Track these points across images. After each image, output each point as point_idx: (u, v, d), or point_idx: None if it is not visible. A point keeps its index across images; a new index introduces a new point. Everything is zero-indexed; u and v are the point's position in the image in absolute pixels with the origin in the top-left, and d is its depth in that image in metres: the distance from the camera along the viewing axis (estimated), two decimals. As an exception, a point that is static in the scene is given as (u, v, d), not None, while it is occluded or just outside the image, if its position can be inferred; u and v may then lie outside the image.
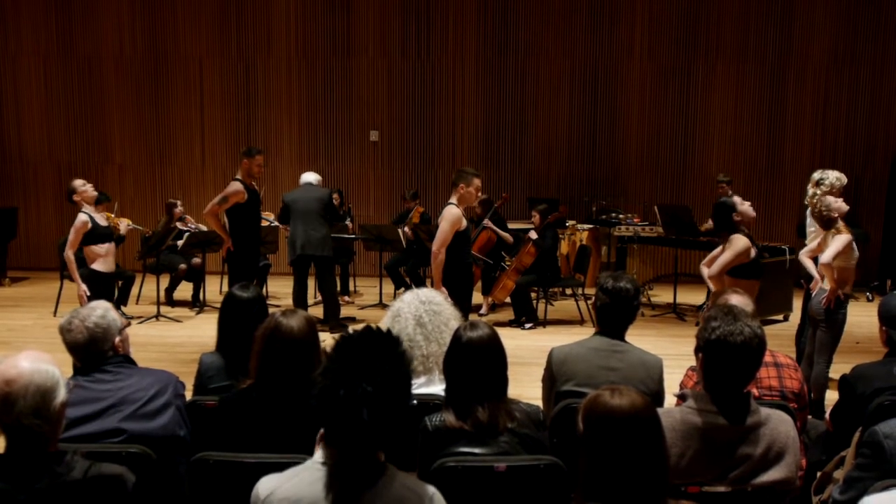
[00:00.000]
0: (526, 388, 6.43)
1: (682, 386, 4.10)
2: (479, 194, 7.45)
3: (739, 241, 7.18)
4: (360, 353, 2.34)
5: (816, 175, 7.61)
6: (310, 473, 2.40)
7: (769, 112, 13.68)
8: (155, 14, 13.80)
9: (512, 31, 13.68)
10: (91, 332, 3.52)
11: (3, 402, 2.52)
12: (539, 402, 3.91)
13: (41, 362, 2.63)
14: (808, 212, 7.68)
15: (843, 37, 13.50)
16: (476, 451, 3.19)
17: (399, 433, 2.38)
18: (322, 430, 2.43)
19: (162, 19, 13.81)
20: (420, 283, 10.92)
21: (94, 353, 3.55)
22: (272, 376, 3.46)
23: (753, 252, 7.18)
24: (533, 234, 10.21)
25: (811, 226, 7.62)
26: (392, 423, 2.35)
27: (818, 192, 7.49)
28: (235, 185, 8.49)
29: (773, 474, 2.97)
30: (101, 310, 3.62)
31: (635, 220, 12.51)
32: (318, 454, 2.42)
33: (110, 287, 8.27)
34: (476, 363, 3.37)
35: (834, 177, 7.52)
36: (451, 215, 7.05)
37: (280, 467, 2.58)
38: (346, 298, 11.52)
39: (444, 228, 7.02)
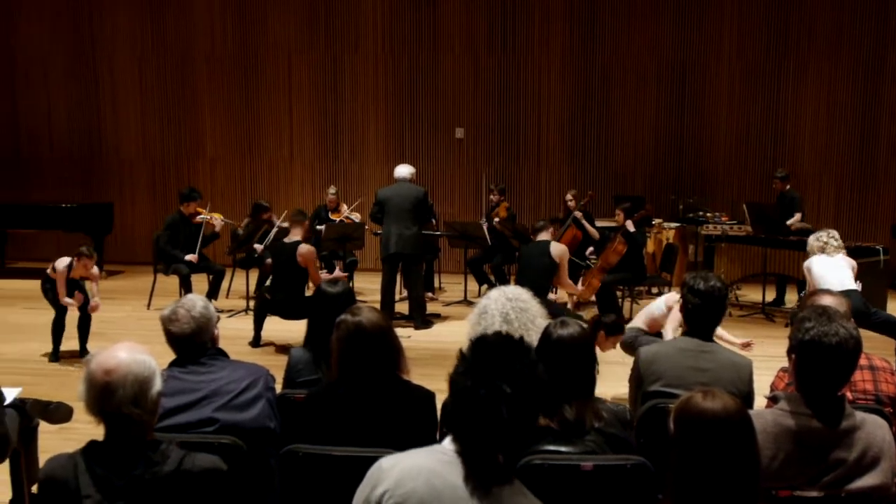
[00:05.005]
0: (611, 386, 6.38)
1: (773, 387, 4.03)
2: None
3: None
4: (497, 355, 2.37)
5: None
6: (437, 455, 2.41)
7: (863, 110, 13.31)
8: (245, 10, 14.05)
9: (598, 26, 13.57)
10: (197, 322, 3.60)
11: (103, 390, 2.60)
12: (623, 401, 3.89)
13: (138, 353, 2.70)
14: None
15: (944, 31, 13.08)
16: (562, 449, 3.18)
17: (526, 436, 2.41)
18: None
19: (252, 15, 14.04)
20: (504, 280, 10.92)
21: (196, 343, 3.62)
22: (353, 373, 3.51)
23: None
24: (630, 226, 10.11)
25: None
26: (525, 426, 2.37)
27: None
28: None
29: (867, 480, 2.90)
30: (203, 301, 3.70)
31: (723, 218, 12.31)
32: (448, 441, 2.43)
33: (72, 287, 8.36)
34: (566, 361, 3.36)
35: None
36: (566, 254, 8.17)
37: (367, 461, 2.60)
38: (431, 295, 11.57)
39: (566, 269, 8.13)
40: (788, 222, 11.19)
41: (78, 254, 8.14)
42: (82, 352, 8.29)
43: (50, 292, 8.23)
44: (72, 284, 8.21)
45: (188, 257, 10.30)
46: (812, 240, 8.27)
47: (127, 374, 2.62)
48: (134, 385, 2.61)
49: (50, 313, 8.43)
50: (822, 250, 8.13)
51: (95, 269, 8.36)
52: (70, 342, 8.51)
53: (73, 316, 8.29)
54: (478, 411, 2.30)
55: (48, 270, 8.22)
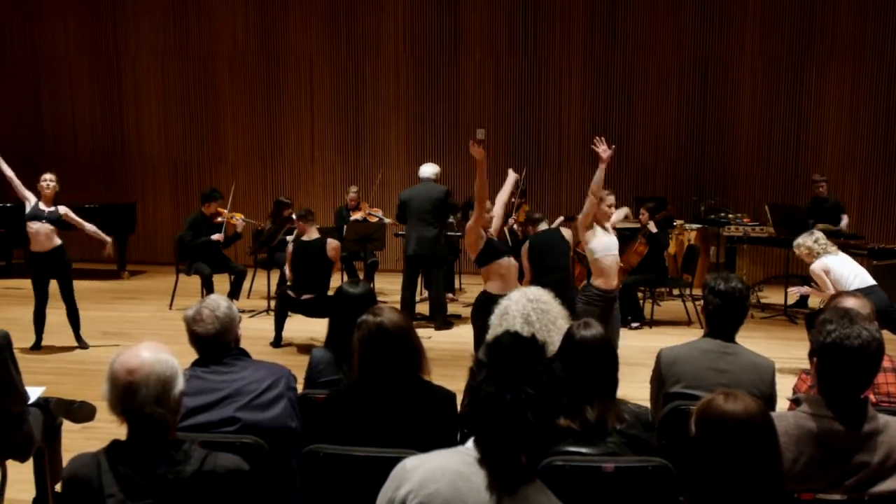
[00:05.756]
0: (632, 388, 6.37)
1: (795, 390, 4.01)
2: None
3: None
4: (514, 357, 2.37)
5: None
6: (461, 456, 2.41)
7: (886, 110, 13.19)
8: (267, 13, 14.10)
9: (619, 26, 13.53)
10: (221, 322, 3.62)
11: (126, 390, 2.61)
12: (645, 403, 3.88)
13: (161, 352, 2.72)
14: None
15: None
16: (584, 450, 3.18)
17: (548, 435, 2.41)
18: None
19: (274, 18, 14.10)
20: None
21: (220, 344, 3.64)
22: (375, 374, 3.52)
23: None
24: (652, 227, 10.10)
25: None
26: (548, 426, 2.38)
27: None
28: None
29: (891, 484, 2.87)
30: (226, 302, 3.72)
31: (745, 219, 12.25)
32: (471, 443, 2.44)
33: (46, 265, 8.44)
34: (588, 362, 3.35)
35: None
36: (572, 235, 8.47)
37: (388, 461, 2.61)
38: (451, 296, 11.57)
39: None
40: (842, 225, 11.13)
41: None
42: (78, 339, 8.60)
43: (33, 276, 8.44)
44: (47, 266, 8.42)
45: (215, 237, 10.38)
46: (810, 243, 7.95)
47: (150, 373, 2.64)
48: (157, 384, 2.63)
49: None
50: (826, 251, 7.88)
51: (65, 210, 8.65)
52: (89, 341, 8.60)
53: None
54: (503, 416, 2.30)
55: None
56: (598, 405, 3.27)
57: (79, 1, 14.45)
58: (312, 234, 9.13)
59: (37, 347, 8.46)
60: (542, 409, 2.30)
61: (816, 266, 7.88)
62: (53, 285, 8.48)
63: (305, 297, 8.87)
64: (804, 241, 8.01)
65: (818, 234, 8.05)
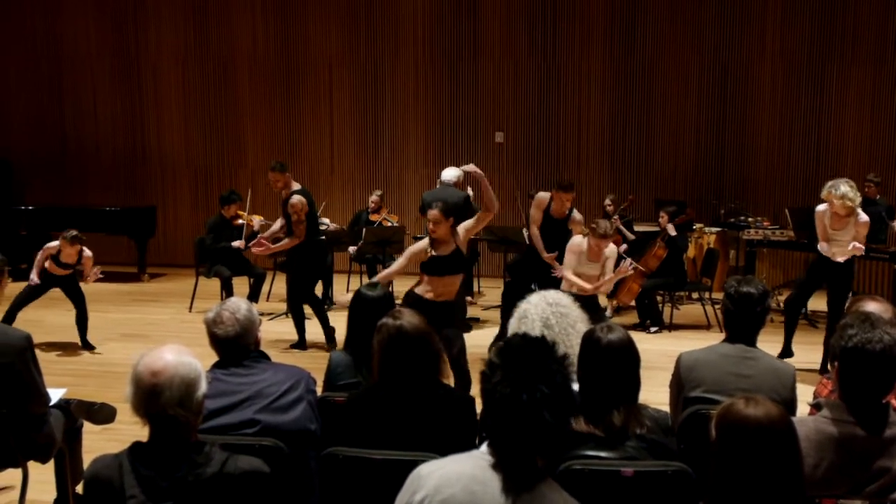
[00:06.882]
0: (651, 392, 6.35)
1: (816, 395, 3.99)
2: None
3: None
4: (528, 357, 2.38)
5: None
6: (476, 461, 2.42)
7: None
8: (287, 17, 14.13)
9: (639, 30, 13.50)
10: (241, 324, 3.64)
11: (150, 392, 2.63)
12: (663, 407, 3.86)
13: (184, 355, 2.73)
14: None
15: None
16: (603, 454, 3.17)
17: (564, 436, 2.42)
18: None
19: (293, 22, 14.13)
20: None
21: (240, 346, 3.66)
22: (394, 377, 3.53)
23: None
24: (671, 230, 10.05)
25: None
26: (564, 426, 2.39)
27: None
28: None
29: (912, 489, 2.86)
30: (246, 304, 3.74)
31: (765, 223, 12.19)
32: (485, 447, 2.44)
33: (57, 281, 8.54)
34: (614, 366, 3.34)
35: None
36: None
37: (407, 465, 2.61)
38: (470, 299, 11.56)
39: None
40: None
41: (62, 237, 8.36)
42: (84, 344, 8.62)
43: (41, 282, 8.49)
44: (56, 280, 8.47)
45: (235, 244, 10.39)
46: (853, 194, 7.41)
47: (174, 375, 2.65)
48: (180, 387, 2.65)
49: (92, 315, 8.60)
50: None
51: (88, 253, 8.54)
52: (109, 343, 8.64)
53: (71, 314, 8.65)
54: (521, 416, 2.31)
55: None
56: (623, 409, 3.26)
57: (100, 3, 14.54)
58: (296, 184, 9.49)
59: None
60: (557, 408, 2.31)
61: (867, 218, 7.60)
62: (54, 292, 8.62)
63: (333, 226, 9.20)
64: (847, 193, 7.40)
65: (851, 181, 7.54)
